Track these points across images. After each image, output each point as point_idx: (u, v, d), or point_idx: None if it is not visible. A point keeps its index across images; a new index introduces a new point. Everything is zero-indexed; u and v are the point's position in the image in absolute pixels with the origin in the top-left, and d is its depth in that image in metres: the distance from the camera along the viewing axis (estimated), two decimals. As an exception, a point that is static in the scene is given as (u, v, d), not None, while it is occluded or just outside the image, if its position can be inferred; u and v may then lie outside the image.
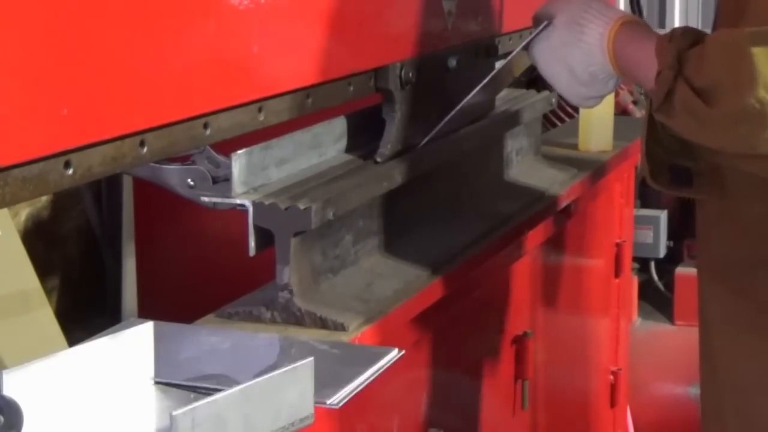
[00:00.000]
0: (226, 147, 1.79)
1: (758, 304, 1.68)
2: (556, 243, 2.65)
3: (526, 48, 1.97)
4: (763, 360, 1.69)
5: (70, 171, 1.32)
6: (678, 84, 1.62)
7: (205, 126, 1.55)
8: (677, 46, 1.64)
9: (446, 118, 2.10)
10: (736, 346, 1.73)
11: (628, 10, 6.22)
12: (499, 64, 2.19)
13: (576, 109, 3.43)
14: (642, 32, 1.78)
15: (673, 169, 1.73)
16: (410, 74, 1.99)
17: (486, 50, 2.34)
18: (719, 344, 1.75)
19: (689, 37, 1.65)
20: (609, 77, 1.84)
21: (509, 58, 2.12)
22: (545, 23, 1.89)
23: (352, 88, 1.88)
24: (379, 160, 1.97)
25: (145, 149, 1.43)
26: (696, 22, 5.98)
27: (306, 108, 1.77)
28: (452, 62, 2.17)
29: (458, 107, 2.12)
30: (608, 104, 2.93)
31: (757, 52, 1.52)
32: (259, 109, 1.66)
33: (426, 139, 2.08)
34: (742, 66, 1.53)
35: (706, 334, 1.79)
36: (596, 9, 1.83)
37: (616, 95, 3.66)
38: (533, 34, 1.92)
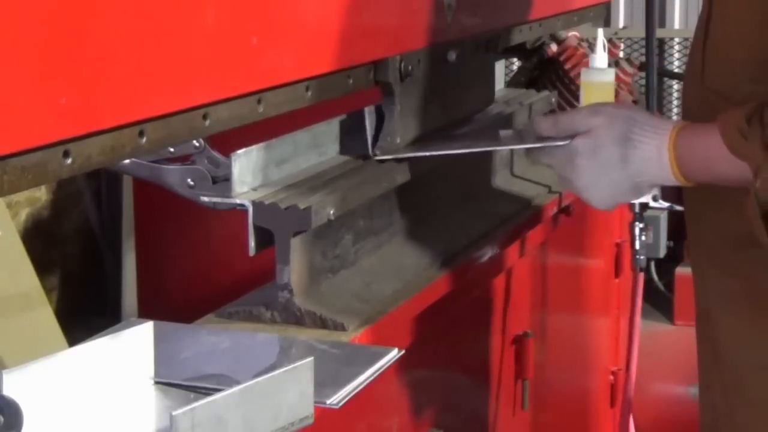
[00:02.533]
0: (226, 147, 1.79)
1: (751, 281, 1.70)
2: (556, 243, 2.65)
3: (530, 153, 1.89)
4: (761, 337, 1.71)
5: (69, 160, 1.32)
6: None
7: (205, 117, 1.55)
8: (756, 138, 1.59)
9: (442, 152, 2.04)
10: (734, 325, 1.75)
11: (628, 11, 6.23)
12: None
13: (576, 109, 3.42)
14: (701, 131, 1.70)
15: None
16: (410, 67, 1.99)
17: (486, 44, 2.34)
18: (718, 324, 1.78)
19: (756, 124, 1.60)
20: (657, 186, 1.82)
21: (519, 147, 2.06)
22: (569, 138, 1.78)
23: (351, 81, 1.88)
24: (378, 153, 1.97)
25: (144, 139, 1.43)
26: (695, 23, 5.97)
27: (305, 100, 1.77)
28: (452, 56, 2.17)
29: (457, 152, 2.05)
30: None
31: None
32: (259, 101, 1.66)
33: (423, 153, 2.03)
34: None
35: (706, 314, 1.81)
36: (644, 122, 1.74)
37: (616, 95, 3.65)
38: (552, 143, 1.81)
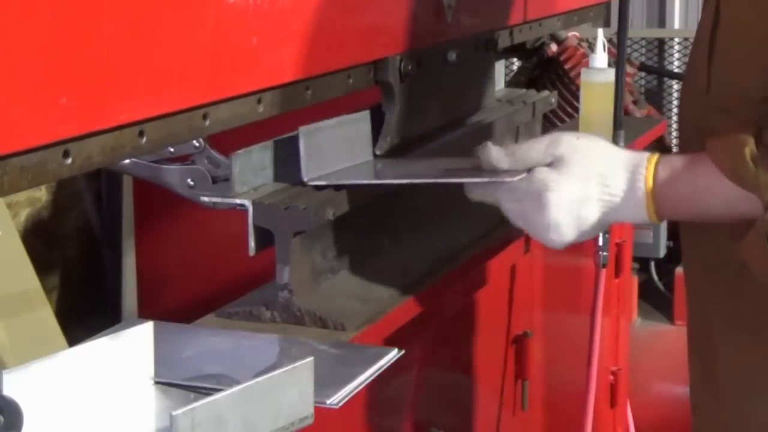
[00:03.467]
0: (226, 147, 1.79)
1: (757, 302, 1.66)
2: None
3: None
4: (763, 359, 1.68)
5: (69, 160, 1.32)
6: None
7: (205, 117, 1.55)
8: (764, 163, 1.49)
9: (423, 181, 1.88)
10: (736, 346, 1.70)
11: (629, 10, 6.22)
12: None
13: (576, 109, 3.43)
14: (683, 163, 1.58)
15: None
16: (410, 67, 1.99)
17: (486, 44, 2.34)
18: (719, 343, 1.73)
19: (763, 146, 1.51)
20: (628, 221, 1.65)
21: (472, 181, 1.76)
22: (526, 171, 1.63)
23: (351, 81, 1.88)
24: (378, 152, 1.97)
25: (144, 139, 1.43)
26: (696, 23, 5.98)
27: (306, 100, 1.77)
28: (452, 55, 2.17)
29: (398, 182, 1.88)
30: (608, 104, 2.92)
31: None
32: (259, 101, 1.66)
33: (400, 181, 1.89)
34: None
35: (705, 333, 1.77)
36: (613, 155, 1.61)
37: (616, 95, 3.65)
38: (509, 177, 1.63)
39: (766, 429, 1.69)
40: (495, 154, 1.67)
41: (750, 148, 1.52)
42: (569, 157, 1.61)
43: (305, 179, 1.77)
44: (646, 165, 1.59)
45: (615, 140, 2.46)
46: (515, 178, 1.63)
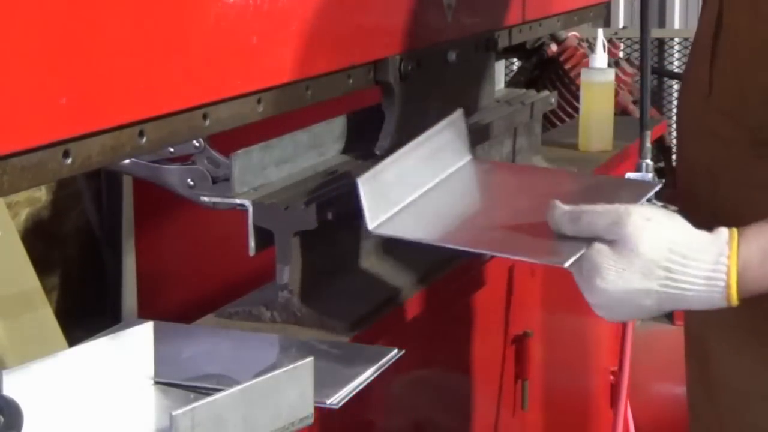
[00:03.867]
0: (226, 147, 1.79)
1: (763, 310, 1.64)
2: (556, 243, 2.65)
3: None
4: (757, 363, 1.66)
5: (69, 160, 1.32)
6: None
7: (205, 117, 1.55)
8: None
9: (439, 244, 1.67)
10: (737, 353, 1.69)
11: (628, 11, 6.22)
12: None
13: (576, 109, 3.43)
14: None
15: None
16: (410, 67, 2.00)
17: (486, 44, 2.34)
18: (718, 351, 1.71)
19: None
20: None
21: (521, 259, 1.67)
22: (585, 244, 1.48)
23: (351, 81, 1.88)
24: (378, 153, 1.97)
25: (144, 139, 1.43)
26: (696, 23, 5.98)
27: (306, 100, 1.77)
28: (452, 56, 2.17)
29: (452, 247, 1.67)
30: (608, 104, 2.93)
31: None
32: (259, 101, 1.66)
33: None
34: None
35: (699, 340, 1.75)
36: (689, 245, 1.42)
37: (616, 95, 3.65)
38: (577, 254, 1.49)
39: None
40: (558, 218, 1.51)
41: None
42: (635, 241, 1.43)
43: (370, 228, 1.64)
44: (728, 254, 1.42)
45: (641, 141, 2.40)
46: (565, 264, 1.49)
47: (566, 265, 1.48)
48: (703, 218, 1.65)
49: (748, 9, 1.60)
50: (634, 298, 1.43)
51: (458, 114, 1.87)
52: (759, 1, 1.57)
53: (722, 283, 1.41)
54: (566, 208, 1.50)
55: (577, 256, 1.47)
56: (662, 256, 1.42)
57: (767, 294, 1.49)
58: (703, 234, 1.45)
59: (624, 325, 2.78)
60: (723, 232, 1.43)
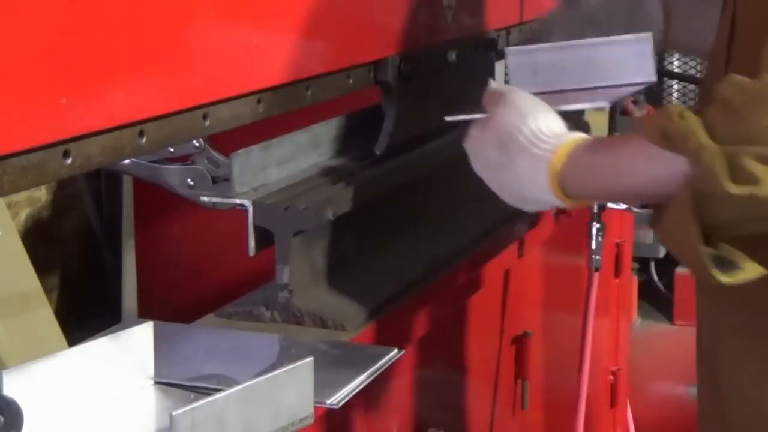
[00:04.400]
0: (226, 147, 1.79)
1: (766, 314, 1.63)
2: (556, 243, 2.65)
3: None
4: None
5: (69, 160, 1.32)
6: (734, 152, 1.42)
7: (205, 117, 1.55)
8: (692, 123, 1.46)
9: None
10: (746, 358, 1.67)
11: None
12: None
13: (576, 109, 3.43)
14: (597, 149, 1.57)
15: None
16: (410, 67, 2.00)
17: (486, 44, 2.34)
18: (727, 356, 1.69)
19: (688, 111, 1.49)
20: (548, 206, 1.63)
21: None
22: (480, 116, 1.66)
23: (351, 81, 1.88)
24: (378, 152, 1.97)
25: (144, 139, 1.43)
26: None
27: (306, 100, 1.77)
28: (452, 56, 2.17)
29: None
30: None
31: None
32: (259, 101, 1.66)
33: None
34: None
35: (711, 347, 1.74)
36: (531, 134, 1.58)
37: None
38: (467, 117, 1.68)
39: None
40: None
41: (679, 109, 1.50)
42: (490, 124, 1.63)
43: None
44: (555, 149, 1.57)
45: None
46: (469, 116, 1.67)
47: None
48: None
49: (760, 13, 1.59)
50: (491, 171, 1.62)
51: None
52: None
53: (544, 173, 1.56)
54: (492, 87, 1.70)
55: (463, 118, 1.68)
56: (509, 132, 1.60)
57: None
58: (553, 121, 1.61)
59: (584, 326, 2.78)
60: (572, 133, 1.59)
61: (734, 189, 1.42)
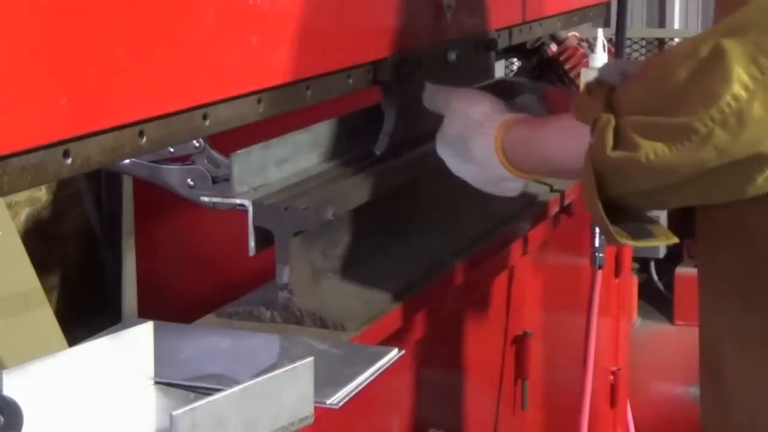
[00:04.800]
0: (226, 147, 1.79)
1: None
2: (556, 243, 2.65)
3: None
4: None
5: (69, 160, 1.32)
6: (628, 121, 1.50)
7: (205, 117, 1.55)
8: (602, 94, 1.55)
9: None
10: (747, 363, 1.67)
11: (628, 11, 6.22)
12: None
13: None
14: (532, 123, 1.71)
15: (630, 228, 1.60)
16: (409, 67, 2.00)
17: (485, 44, 2.34)
18: (728, 360, 1.69)
19: (604, 85, 1.58)
20: (513, 179, 1.77)
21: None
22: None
23: (351, 81, 1.88)
24: (377, 152, 1.97)
25: (144, 139, 1.43)
26: (696, 23, 5.98)
27: (306, 100, 1.77)
28: (452, 56, 2.17)
29: None
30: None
31: (730, 47, 1.42)
32: (259, 101, 1.66)
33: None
34: (713, 67, 1.43)
35: (713, 349, 1.73)
36: (477, 118, 1.76)
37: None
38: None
39: None
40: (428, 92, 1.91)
41: (594, 82, 1.60)
42: (446, 122, 1.81)
43: None
44: (496, 132, 1.74)
45: None
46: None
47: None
48: (726, 230, 1.65)
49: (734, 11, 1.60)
50: (459, 159, 1.79)
51: None
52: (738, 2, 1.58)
53: (493, 147, 1.73)
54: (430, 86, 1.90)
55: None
56: (461, 124, 1.78)
57: None
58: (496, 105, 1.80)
59: (587, 324, 2.78)
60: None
61: (614, 154, 1.50)
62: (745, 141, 1.43)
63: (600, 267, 2.71)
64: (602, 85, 1.57)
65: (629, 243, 1.59)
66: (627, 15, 2.68)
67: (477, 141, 1.75)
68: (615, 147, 1.50)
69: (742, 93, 1.42)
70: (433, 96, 1.89)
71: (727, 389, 1.69)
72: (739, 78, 1.42)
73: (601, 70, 1.77)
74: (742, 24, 1.44)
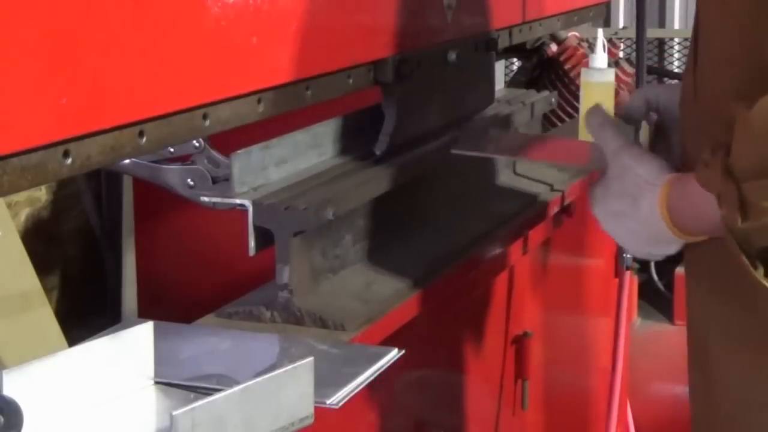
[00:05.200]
0: (226, 147, 1.79)
1: (762, 319, 1.64)
2: (556, 243, 2.65)
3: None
4: (764, 375, 1.66)
5: (69, 160, 1.32)
6: (747, 188, 1.51)
7: (205, 117, 1.55)
8: (719, 163, 1.54)
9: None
10: (736, 362, 1.68)
11: (628, 11, 6.22)
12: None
13: (576, 109, 3.43)
14: (691, 184, 1.65)
15: None
16: (409, 67, 2.00)
17: (486, 44, 2.34)
18: (717, 359, 1.70)
19: (718, 152, 1.56)
20: (673, 241, 1.73)
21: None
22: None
23: (351, 81, 1.88)
24: (378, 152, 1.97)
25: (144, 139, 1.43)
26: (696, 22, 5.98)
27: (306, 100, 1.77)
28: (452, 56, 2.17)
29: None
30: (608, 104, 2.92)
31: None
32: (259, 101, 1.66)
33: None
34: None
35: (703, 349, 1.75)
36: (644, 177, 1.71)
37: (616, 95, 3.65)
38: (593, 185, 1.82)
39: None
40: (592, 116, 1.81)
41: (706, 153, 1.57)
42: (611, 174, 1.75)
43: None
44: (661, 189, 1.68)
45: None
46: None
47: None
48: None
49: (718, 6, 1.62)
50: (618, 219, 1.75)
51: None
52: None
53: (657, 209, 1.68)
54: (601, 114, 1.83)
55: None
56: (626, 181, 1.73)
57: (758, 300, 1.58)
58: (659, 170, 1.72)
59: (617, 326, 2.78)
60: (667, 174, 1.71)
61: (744, 225, 1.51)
62: None
63: (628, 268, 2.71)
64: (716, 153, 1.56)
65: None
66: (645, 18, 2.67)
67: (646, 199, 1.71)
68: (745, 218, 1.52)
69: None
70: (600, 152, 1.81)
71: (713, 382, 1.71)
72: None
73: (629, 103, 1.80)
74: None
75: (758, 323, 1.62)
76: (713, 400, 1.72)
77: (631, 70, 4.20)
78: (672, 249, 1.75)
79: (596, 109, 1.83)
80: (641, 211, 1.71)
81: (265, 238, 1.70)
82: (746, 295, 1.61)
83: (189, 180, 1.81)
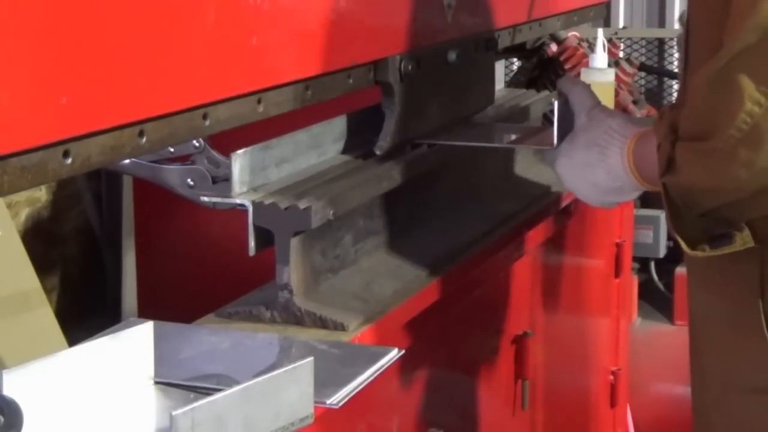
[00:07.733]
0: (226, 147, 1.79)
1: (734, 302, 1.69)
2: (556, 243, 2.65)
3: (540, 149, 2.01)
4: (742, 358, 1.70)
5: (69, 160, 1.32)
6: (678, 146, 1.63)
7: (204, 117, 1.55)
8: (669, 118, 1.65)
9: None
10: (717, 345, 1.75)
11: (628, 11, 6.23)
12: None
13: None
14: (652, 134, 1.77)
15: (710, 237, 1.68)
16: (409, 67, 2.00)
17: (486, 44, 2.34)
18: (703, 343, 1.77)
19: (676, 107, 1.68)
20: (635, 189, 1.84)
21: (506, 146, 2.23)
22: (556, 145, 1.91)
23: (351, 81, 1.88)
24: (378, 152, 1.97)
25: (144, 139, 1.43)
26: (696, 22, 5.98)
27: (305, 100, 1.77)
28: (452, 56, 2.17)
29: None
30: (608, 104, 2.93)
31: (735, 66, 1.53)
32: (259, 101, 1.66)
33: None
34: (726, 89, 1.53)
35: (694, 333, 1.81)
36: (615, 128, 1.83)
37: (616, 95, 3.65)
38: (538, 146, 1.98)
39: (750, 428, 1.71)
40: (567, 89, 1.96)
41: (665, 108, 1.71)
42: (583, 127, 1.87)
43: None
44: (630, 140, 1.80)
45: None
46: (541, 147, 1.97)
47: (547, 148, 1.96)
48: None
49: (702, 8, 1.66)
50: (584, 171, 1.86)
51: None
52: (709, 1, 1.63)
53: (626, 158, 1.80)
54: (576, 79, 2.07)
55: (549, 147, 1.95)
56: (598, 132, 1.85)
57: (738, 286, 1.68)
58: (631, 120, 1.89)
59: (618, 325, 2.79)
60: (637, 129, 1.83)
61: (664, 179, 1.64)
62: (767, 152, 1.53)
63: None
64: (673, 109, 1.67)
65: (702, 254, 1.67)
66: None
67: (615, 148, 1.81)
68: (666, 171, 1.64)
69: (756, 109, 1.52)
70: (570, 93, 1.94)
71: (704, 369, 1.76)
72: (751, 95, 1.52)
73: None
74: (744, 44, 1.53)
75: (732, 306, 1.67)
76: (705, 386, 1.77)
77: (631, 70, 4.20)
78: (632, 196, 1.88)
79: (571, 77, 1.95)
80: (609, 159, 1.81)
81: (265, 238, 1.70)
82: (726, 279, 1.67)
83: (189, 180, 1.81)
